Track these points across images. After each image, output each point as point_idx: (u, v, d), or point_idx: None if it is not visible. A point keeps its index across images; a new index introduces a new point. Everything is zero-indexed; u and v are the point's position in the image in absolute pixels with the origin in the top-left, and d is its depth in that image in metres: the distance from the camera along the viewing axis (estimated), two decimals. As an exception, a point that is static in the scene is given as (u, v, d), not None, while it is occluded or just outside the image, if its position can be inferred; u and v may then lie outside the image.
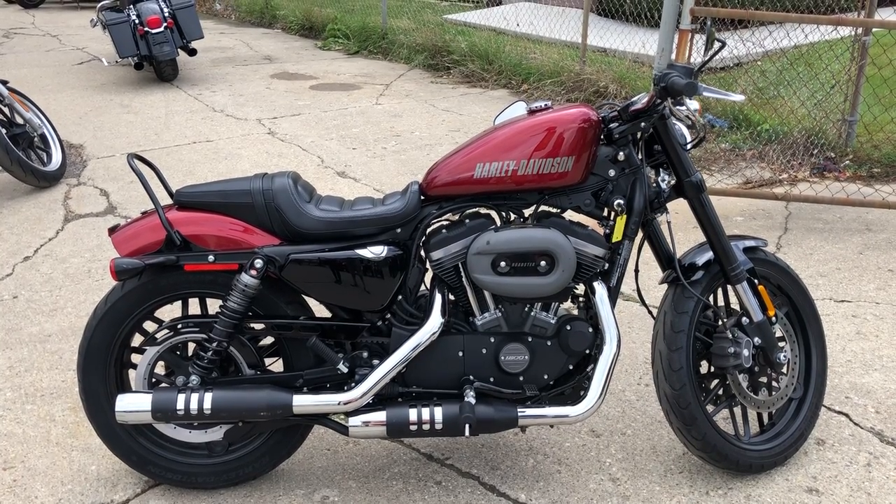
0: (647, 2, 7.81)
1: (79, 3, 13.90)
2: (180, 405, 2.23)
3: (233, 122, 6.61)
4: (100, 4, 7.99)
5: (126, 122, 6.58)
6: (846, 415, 2.82)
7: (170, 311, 2.41)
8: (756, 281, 2.46)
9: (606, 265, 2.33)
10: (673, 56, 4.50)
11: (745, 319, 2.46)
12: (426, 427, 2.24)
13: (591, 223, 2.37)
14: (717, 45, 2.22)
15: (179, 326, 2.34)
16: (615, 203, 2.28)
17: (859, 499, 2.42)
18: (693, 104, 2.23)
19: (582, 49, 7.08)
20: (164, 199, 2.32)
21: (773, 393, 2.54)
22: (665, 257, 2.46)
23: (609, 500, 2.43)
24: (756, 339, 2.45)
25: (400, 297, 2.33)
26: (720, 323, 2.46)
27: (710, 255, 2.44)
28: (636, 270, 2.51)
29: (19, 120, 5.08)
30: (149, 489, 2.47)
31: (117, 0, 7.81)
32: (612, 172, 2.29)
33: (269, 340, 2.45)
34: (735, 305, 2.52)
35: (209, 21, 12.14)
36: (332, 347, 2.33)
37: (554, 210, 2.35)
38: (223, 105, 7.15)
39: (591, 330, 2.31)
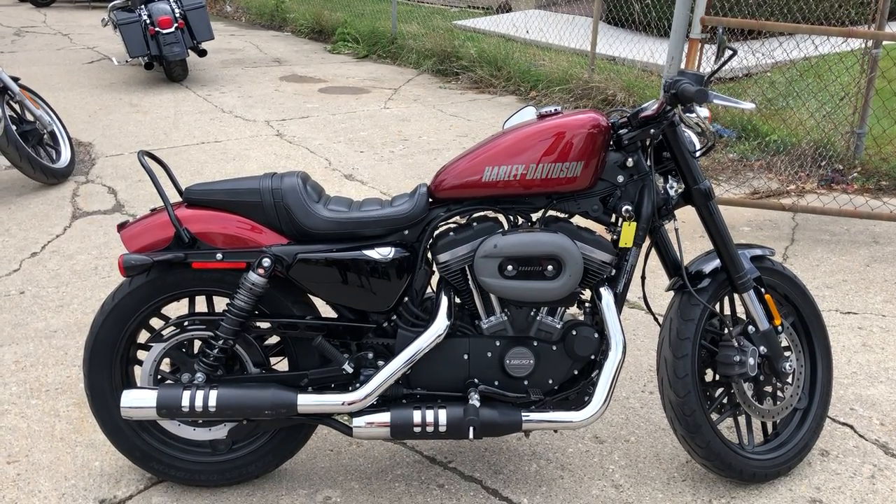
0: (656, 11, 7.82)
1: (90, 3, 13.96)
2: (185, 402, 2.23)
3: (241, 123, 6.63)
4: (111, 4, 8.02)
5: (135, 122, 6.61)
6: (851, 426, 2.82)
7: (176, 309, 2.42)
8: (763, 290, 2.46)
9: (613, 271, 2.33)
10: (682, 65, 4.50)
11: (751, 328, 2.46)
12: (430, 429, 2.24)
13: (598, 229, 2.37)
14: (728, 52, 2.22)
15: (186, 324, 2.35)
16: (623, 209, 2.28)
17: (863, 510, 2.42)
18: (703, 112, 2.23)
19: (591, 57, 7.09)
20: (174, 197, 2.33)
21: (778, 402, 2.53)
22: (672, 264, 2.46)
23: (611, 506, 2.43)
24: (762, 348, 2.45)
25: (406, 298, 2.33)
26: (726, 331, 2.46)
27: (717, 262, 2.44)
28: (643, 277, 2.51)
29: (29, 117, 5.11)
30: (152, 486, 2.48)
31: (129, 0, 7.84)
32: (620, 178, 2.30)
33: (274, 339, 2.45)
34: (741, 314, 2.52)
35: (219, 23, 12.18)
36: (337, 348, 2.33)
37: (562, 215, 2.36)
38: (232, 106, 7.17)
39: (596, 335, 2.31)
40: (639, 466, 2.60)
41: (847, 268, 4.09)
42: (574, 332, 2.30)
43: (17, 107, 5.06)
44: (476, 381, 2.32)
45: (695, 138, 2.37)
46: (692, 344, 2.36)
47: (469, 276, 2.29)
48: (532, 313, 2.32)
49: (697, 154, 2.35)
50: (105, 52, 9.51)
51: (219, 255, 2.24)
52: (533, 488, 2.49)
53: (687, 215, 2.69)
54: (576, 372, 2.37)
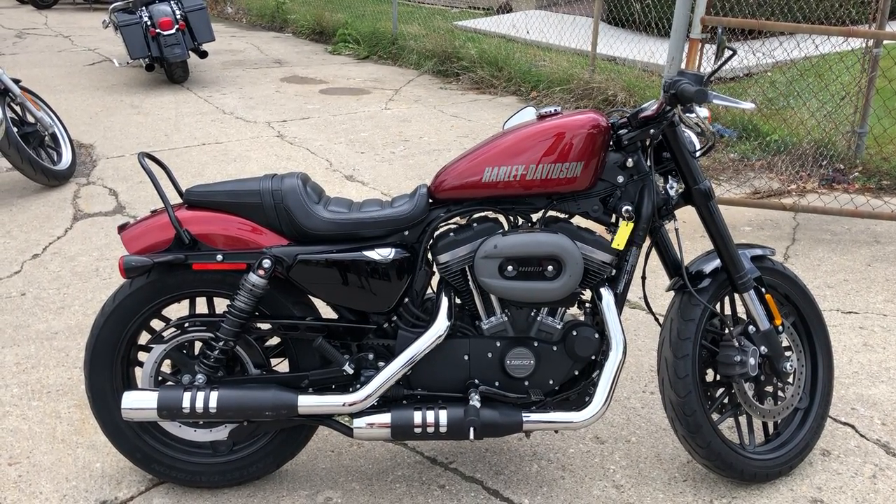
0: (656, 11, 7.82)
1: (91, 5, 13.98)
2: (186, 403, 2.23)
3: (242, 124, 6.64)
4: (112, 6, 8.04)
5: (136, 123, 6.62)
6: (852, 426, 2.81)
7: (177, 310, 2.42)
8: (763, 290, 2.46)
9: (614, 271, 2.33)
10: (683, 65, 4.50)
11: (751, 328, 2.46)
12: (431, 430, 2.24)
13: (598, 229, 2.37)
14: (727, 52, 2.22)
15: (186, 325, 2.35)
16: (623, 209, 2.28)
17: (864, 510, 2.42)
18: (703, 112, 2.23)
19: (591, 57, 7.09)
20: (174, 199, 2.33)
21: (779, 402, 2.53)
22: (672, 264, 2.46)
23: (612, 506, 2.42)
24: (762, 348, 2.44)
25: (406, 299, 2.33)
26: (727, 331, 2.46)
27: (717, 262, 2.43)
28: (643, 277, 2.51)
29: (31, 119, 5.11)
30: (153, 487, 2.48)
31: (129, 2, 7.86)
32: (620, 178, 2.30)
33: (275, 341, 2.46)
34: (742, 314, 2.52)
35: (220, 24, 12.19)
36: (337, 349, 2.34)
37: (562, 215, 2.36)
38: (233, 107, 7.17)
39: (597, 336, 2.31)
40: (640, 467, 2.60)
41: (848, 267, 4.08)
42: (574, 333, 2.30)
43: (18, 109, 5.07)
44: (476, 381, 2.32)
45: (695, 138, 2.37)
46: (693, 344, 2.36)
47: (469, 277, 2.29)
48: (532, 314, 2.32)
49: (697, 154, 2.35)
50: (106, 53, 9.52)
51: (219, 257, 2.24)
52: (534, 489, 2.49)
53: (687, 215, 2.69)
54: (576, 372, 2.37)
